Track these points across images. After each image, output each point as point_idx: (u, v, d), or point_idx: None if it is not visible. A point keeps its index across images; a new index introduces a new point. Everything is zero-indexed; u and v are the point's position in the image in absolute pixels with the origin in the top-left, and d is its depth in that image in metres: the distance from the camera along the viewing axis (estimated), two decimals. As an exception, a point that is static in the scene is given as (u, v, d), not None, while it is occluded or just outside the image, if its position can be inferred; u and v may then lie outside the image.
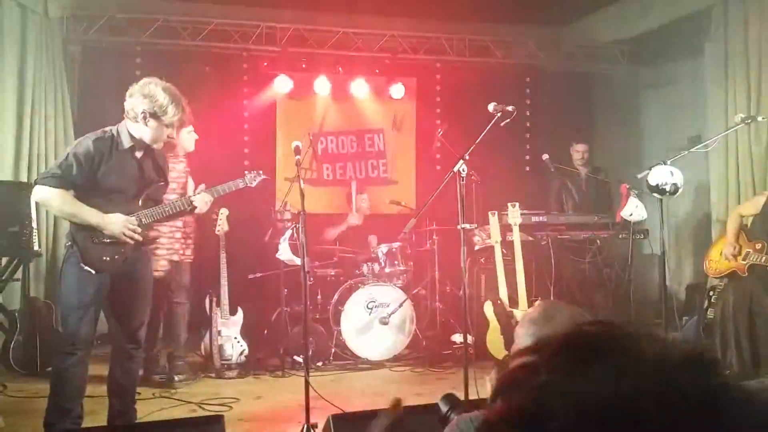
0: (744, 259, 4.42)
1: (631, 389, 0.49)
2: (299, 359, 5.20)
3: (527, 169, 7.35)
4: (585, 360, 0.52)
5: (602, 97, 7.59)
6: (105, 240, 3.10)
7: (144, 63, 6.27)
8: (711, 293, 5.16)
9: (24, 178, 5.47)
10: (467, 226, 3.43)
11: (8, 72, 5.44)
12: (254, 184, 3.72)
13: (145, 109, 3.12)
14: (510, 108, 3.52)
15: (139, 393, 3.97)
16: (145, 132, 3.19)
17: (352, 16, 6.68)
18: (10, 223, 4.90)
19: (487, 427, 0.54)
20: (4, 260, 5.08)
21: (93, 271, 3.06)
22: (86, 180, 3.08)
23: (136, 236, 3.15)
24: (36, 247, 5.15)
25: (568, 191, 5.97)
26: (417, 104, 7.38)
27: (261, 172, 3.79)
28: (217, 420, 2.36)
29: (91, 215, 3.08)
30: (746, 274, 4.41)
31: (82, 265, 3.04)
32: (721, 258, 4.56)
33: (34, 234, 5.10)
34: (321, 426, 3.13)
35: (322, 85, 6.89)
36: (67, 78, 6.05)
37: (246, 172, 3.74)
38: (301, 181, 3.46)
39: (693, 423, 0.48)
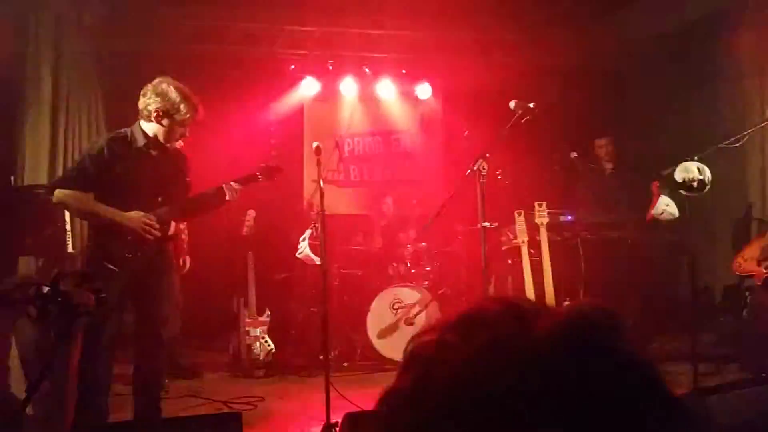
0: (766, 269, 4.31)
1: (502, 365, 0.48)
2: (325, 359, 5.23)
3: (556, 168, 7.23)
4: (469, 336, 0.51)
5: (635, 94, 7.42)
6: (126, 237, 3.16)
7: (172, 68, 6.35)
8: (747, 293, 5.01)
9: (59, 182, 5.63)
10: (487, 224, 3.39)
11: (44, 79, 5.59)
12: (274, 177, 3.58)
13: (158, 108, 3.18)
14: (531, 105, 3.47)
15: (167, 391, 4.04)
16: (158, 131, 3.24)
17: (378, 17, 6.69)
18: (44, 226, 5.04)
19: (377, 407, 0.53)
20: (40, 261, 5.23)
21: (116, 269, 3.12)
22: (103, 180, 3.15)
23: (155, 231, 3.20)
24: (70, 249, 5.29)
25: (593, 189, 5.86)
26: (443, 104, 7.34)
27: (278, 166, 3.67)
28: (235, 417, 2.38)
29: (109, 213, 3.15)
30: (760, 283, 4.31)
31: (105, 263, 3.11)
32: (751, 258, 4.46)
33: (67, 235, 5.24)
34: (341, 425, 3.13)
35: (348, 87, 6.92)
36: (99, 84, 6.21)
37: (262, 165, 3.62)
38: (321, 181, 3.48)
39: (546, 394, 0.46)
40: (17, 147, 5.56)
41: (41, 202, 5.11)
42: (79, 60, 5.92)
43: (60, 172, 5.71)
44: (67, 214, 5.21)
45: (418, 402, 0.50)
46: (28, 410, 2.00)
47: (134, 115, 3.61)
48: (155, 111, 3.19)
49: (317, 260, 4.36)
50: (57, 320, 1.98)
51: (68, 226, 5.28)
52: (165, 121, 3.22)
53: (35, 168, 5.55)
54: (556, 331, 0.50)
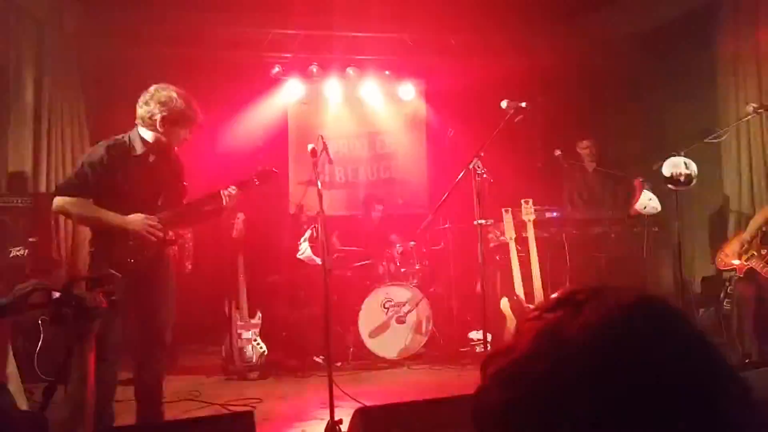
0: (747, 261, 4.47)
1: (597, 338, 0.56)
2: (319, 360, 5.26)
3: (539, 165, 7.35)
4: (564, 312, 0.59)
5: (616, 92, 7.57)
6: (129, 242, 3.16)
7: (157, 73, 6.33)
8: (728, 284, 5.16)
9: (42, 190, 5.55)
10: (483, 221, 3.46)
11: (26, 86, 5.52)
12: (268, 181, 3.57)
13: (164, 116, 3.19)
14: (523, 104, 3.56)
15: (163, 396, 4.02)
16: (160, 137, 3.25)
17: (362, 19, 6.73)
18: (29, 234, 4.99)
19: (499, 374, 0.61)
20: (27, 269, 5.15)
21: (119, 275, 3.11)
22: (102, 186, 3.16)
23: (158, 233, 3.21)
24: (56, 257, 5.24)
25: (577, 187, 5.98)
26: (427, 105, 7.42)
27: (274, 170, 3.64)
28: (247, 416, 2.40)
29: (111, 218, 3.15)
30: (742, 275, 4.47)
31: (107, 268, 3.09)
32: (732, 252, 4.62)
33: (53, 244, 5.19)
34: (346, 423, 3.16)
35: (332, 89, 6.96)
36: (82, 88, 6.14)
37: (259, 168, 3.60)
38: (319, 183, 3.52)
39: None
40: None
41: (25, 210, 5.07)
42: (62, 65, 5.86)
43: (43, 178, 5.64)
44: (53, 222, 5.16)
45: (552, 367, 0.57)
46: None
47: (119, 118, 3.59)
48: (161, 120, 3.20)
49: (318, 261, 4.39)
50: (73, 324, 1.99)
51: (54, 233, 5.24)
52: (167, 128, 3.23)
53: (18, 174, 5.47)
54: (628, 310, 0.57)
